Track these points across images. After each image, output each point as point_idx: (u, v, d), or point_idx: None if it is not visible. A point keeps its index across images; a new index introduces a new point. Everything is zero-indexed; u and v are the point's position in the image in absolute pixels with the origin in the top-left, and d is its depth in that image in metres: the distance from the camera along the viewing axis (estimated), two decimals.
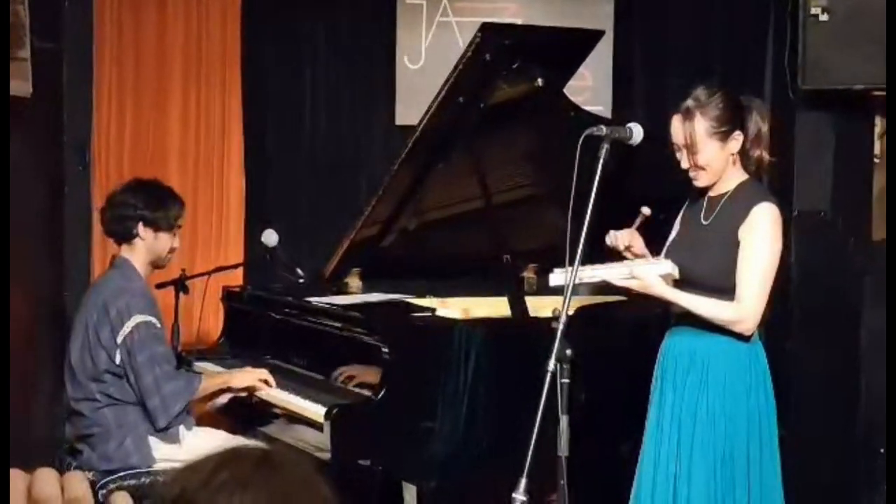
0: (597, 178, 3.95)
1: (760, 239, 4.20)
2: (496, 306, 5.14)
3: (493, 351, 4.80)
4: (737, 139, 4.27)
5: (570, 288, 3.87)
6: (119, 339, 4.81)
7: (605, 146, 4.01)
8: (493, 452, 4.62)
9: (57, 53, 6.59)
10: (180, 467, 1.49)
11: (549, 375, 3.69)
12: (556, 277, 4.22)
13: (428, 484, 4.73)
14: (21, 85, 5.99)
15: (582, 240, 3.88)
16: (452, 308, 5.25)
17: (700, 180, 4.31)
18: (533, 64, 5.02)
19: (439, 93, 4.99)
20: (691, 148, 4.25)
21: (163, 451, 4.83)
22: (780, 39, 6.57)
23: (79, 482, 1.24)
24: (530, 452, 3.60)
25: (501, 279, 5.16)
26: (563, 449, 3.76)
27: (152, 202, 4.99)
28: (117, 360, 4.82)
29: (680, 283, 4.28)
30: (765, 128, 4.36)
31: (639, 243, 4.44)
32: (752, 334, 4.27)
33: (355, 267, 5.71)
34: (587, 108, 5.65)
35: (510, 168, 5.46)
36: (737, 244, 4.20)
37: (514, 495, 3.55)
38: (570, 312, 3.86)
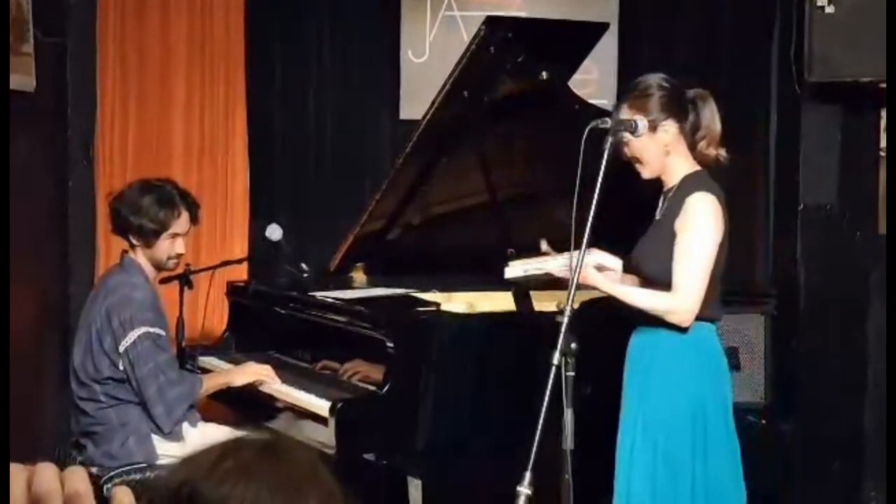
0: (601, 170, 3.94)
1: (693, 229, 4.14)
2: (501, 300, 5.13)
3: (498, 345, 4.80)
4: (667, 129, 4.20)
5: (574, 282, 3.86)
6: (121, 349, 4.78)
7: (610, 139, 4.00)
8: (498, 446, 4.62)
9: (60, 48, 6.59)
10: (184, 457, 1.49)
11: (553, 369, 3.68)
12: (511, 271, 4.35)
13: (433, 478, 4.72)
14: (24, 80, 5.99)
15: (587, 232, 3.87)
16: (457, 302, 5.23)
17: (643, 172, 4.27)
18: (537, 57, 5.01)
19: (444, 87, 4.98)
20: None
21: (166, 448, 4.82)
22: (787, 32, 6.56)
23: (79, 477, 1.23)
24: (535, 446, 3.59)
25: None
26: (568, 442, 3.76)
27: (138, 211, 4.87)
28: (120, 367, 4.80)
29: (643, 282, 4.28)
30: (715, 122, 4.31)
31: (608, 261, 4.42)
32: (690, 325, 4.19)
33: (360, 261, 5.70)
34: (592, 101, 5.63)
35: (515, 162, 5.45)
36: (674, 236, 4.17)
37: (518, 489, 3.54)
38: (576, 306, 3.86)
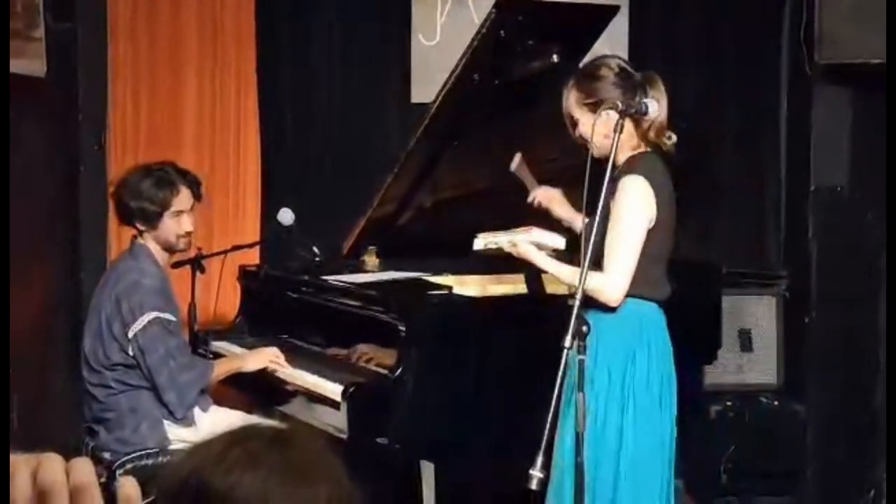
0: (612, 152, 3.95)
1: (621, 211, 4.17)
2: (513, 283, 5.13)
3: (510, 328, 4.80)
4: (607, 116, 4.16)
5: (586, 267, 3.86)
6: (130, 335, 4.80)
7: (620, 121, 4.01)
8: (510, 429, 4.62)
9: (72, 33, 6.59)
10: (193, 445, 1.49)
11: (565, 352, 3.68)
12: (476, 243, 4.50)
13: (446, 461, 4.73)
14: (36, 65, 5.99)
15: (598, 214, 3.89)
16: (469, 286, 5.24)
17: (592, 151, 4.17)
18: (548, 40, 5.01)
19: (454, 70, 4.98)
20: (569, 120, 4.31)
21: (178, 434, 4.83)
22: (797, 13, 6.55)
23: (85, 469, 1.23)
24: (547, 429, 3.60)
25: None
26: (580, 425, 3.77)
27: (138, 194, 4.91)
28: (130, 353, 4.82)
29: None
30: (662, 108, 4.26)
31: (557, 195, 4.47)
32: (619, 304, 4.21)
33: (372, 245, 5.70)
34: None
35: (526, 145, 5.44)
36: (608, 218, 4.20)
37: (531, 472, 3.55)
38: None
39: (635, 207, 4.19)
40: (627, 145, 4.28)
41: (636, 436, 4.22)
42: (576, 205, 4.52)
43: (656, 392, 4.27)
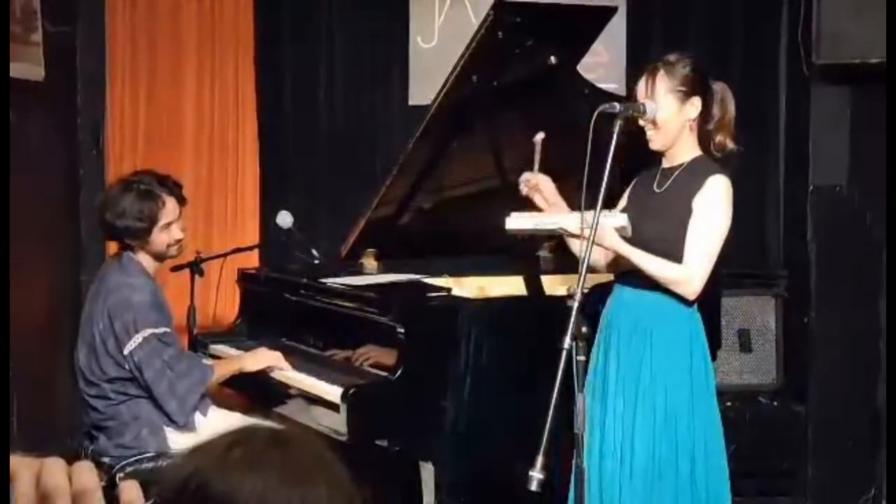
0: (610, 154, 3.96)
1: (714, 208, 4.23)
2: (512, 285, 5.13)
3: (509, 330, 4.80)
4: (695, 104, 4.29)
5: (585, 265, 3.86)
6: (125, 353, 4.75)
7: (619, 123, 4.02)
8: (509, 431, 4.62)
9: (70, 37, 6.60)
10: (193, 447, 1.49)
11: (564, 353, 3.68)
12: (513, 221, 4.32)
13: (445, 463, 4.73)
14: (33, 69, 5.99)
15: (597, 215, 3.89)
16: (468, 287, 5.24)
17: (654, 142, 4.32)
18: (546, 42, 5.01)
19: (452, 72, 4.97)
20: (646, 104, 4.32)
21: (179, 440, 4.80)
22: (795, 13, 6.55)
23: (87, 473, 1.23)
24: (546, 430, 3.60)
25: (516, 258, 5.16)
26: (580, 426, 3.77)
27: (123, 214, 4.79)
28: (126, 367, 4.78)
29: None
30: (730, 113, 4.42)
31: (550, 187, 4.48)
32: (694, 299, 4.26)
33: (371, 247, 5.70)
34: (601, 85, 5.63)
35: (524, 146, 5.44)
36: (690, 212, 4.22)
37: (530, 473, 3.54)
38: (586, 290, 3.86)
39: (728, 210, 4.27)
40: (694, 145, 4.37)
41: (712, 433, 4.32)
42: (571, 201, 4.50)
43: (713, 386, 4.36)
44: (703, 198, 4.23)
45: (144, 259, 4.91)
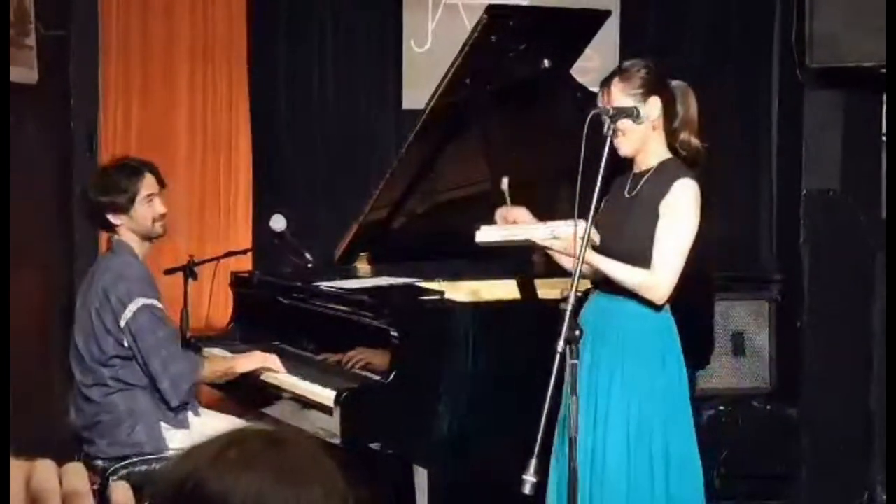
0: (604, 158, 3.96)
1: (680, 212, 4.19)
2: (505, 289, 5.13)
3: (502, 333, 4.80)
4: (653, 104, 4.24)
5: (578, 269, 3.86)
6: (122, 324, 4.81)
7: (612, 126, 4.02)
8: (503, 434, 4.62)
9: (63, 40, 6.59)
10: (188, 448, 1.49)
11: (557, 356, 3.69)
12: (483, 234, 4.32)
13: (439, 467, 4.73)
14: (27, 72, 5.99)
15: (591, 219, 3.89)
16: (461, 291, 5.24)
17: (621, 147, 4.26)
18: (539, 45, 5.02)
19: (446, 76, 4.98)
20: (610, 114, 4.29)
21: (174, 438, 4.83)
22: (788, 17, 6.56)
23: (78, 475, 1.23)
24: (540, 434, 3.60)
25: (510, 261, 5.16)
26: (574, 430, 3.77)
27: (106, 188, 4.95)
28: (125, 344, 4.83)
29: (601, 255, 4.29)
30: (693, 111, 4.37)
31: (526, 216, 4.47)
32: (664, 304, 4.25)
33: (364, 251, 5.70)
34: (593, 89, 5.63)
35: (518, 149, 5.45)
36: (657, 217, 4.20)
37: (524, 476, 3.55)
38: (579, 293, 3.86)
39: (695, 213, 4.22)
40: (661, 148, 4.34)
41: (685, 437, 4.31)
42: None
43: (686, 391, 4.34)
44: (668, 202, 4.19)
45: (132, 240, 4.97)
